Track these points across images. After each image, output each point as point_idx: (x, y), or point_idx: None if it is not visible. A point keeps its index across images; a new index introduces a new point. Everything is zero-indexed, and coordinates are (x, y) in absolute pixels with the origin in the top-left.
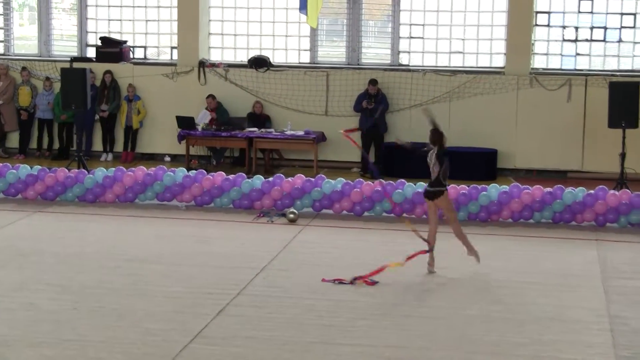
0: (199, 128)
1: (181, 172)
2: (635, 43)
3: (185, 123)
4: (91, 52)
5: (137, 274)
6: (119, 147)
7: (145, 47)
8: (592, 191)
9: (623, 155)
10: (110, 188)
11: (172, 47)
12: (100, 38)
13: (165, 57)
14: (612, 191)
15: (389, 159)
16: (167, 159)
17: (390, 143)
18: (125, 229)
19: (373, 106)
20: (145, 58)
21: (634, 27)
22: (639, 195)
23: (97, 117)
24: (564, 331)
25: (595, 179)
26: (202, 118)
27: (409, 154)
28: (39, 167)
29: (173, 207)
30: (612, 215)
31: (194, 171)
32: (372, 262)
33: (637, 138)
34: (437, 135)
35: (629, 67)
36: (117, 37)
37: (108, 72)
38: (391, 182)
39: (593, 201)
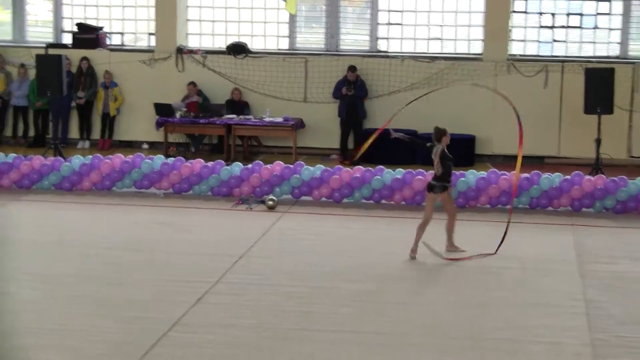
0: (177, 115)
1: (159, 159)
2: (610, 29)
3: (163, 110)
4: (67, 39)
5: (116, 262)
6: (95, 134)
7: (122, 34)
8: (568, 177)
9: (598, 141)
10: (87, 176)
11: (150, 34)
12: (77, 24)
13: (142, 43)
14: (587, 176)
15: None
16: (145, 146)
17: (369, 130)
18: (103, 217)
19: (352, 93)
20: (122, 44)
21: (609, 13)
22: (614, 181)
23: (73, 104)
24: (540, 315)
25: (571, 164)
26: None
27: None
28: (14, 155)
29: (151, 194)
30: (587, 201)
31: (172, 158)
32: (353, 249)
33: (612, 124)
34: (439, 133)
35: (605, 54)
36: (93, 23)
37: (84, 58)
38: (370, 168)
39: (569, 186)
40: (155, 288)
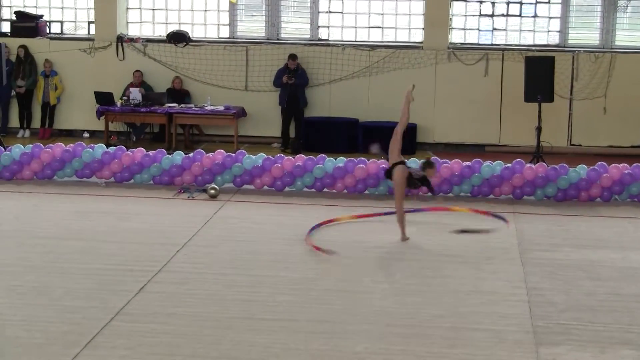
0: (118, 104)
1: (100, 148)
2: (550, 18)
3: (104, 99)
4: (6, 27)
5: (56, 252)
6: (36, 123)
7: (61, 22)
8: (509, 164)
9: (539, 129)
10: (28, 165)
11: (90, 22)
12: (15, 12)
13: (82, 31)
14: (528, 164)
15: (308, 134)
16: (86, 135)
17: (309, 118)
18: (44, 206)
19: (293, 81)
20: (62, 33)
21: (548, 2)
22: (555, 169)
23: (13, 93)
24: (481, 303)
25: (512, 152)
26: (135, 95)
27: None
28: None
29: (92, 183)
30: (528, 188)
31: (113, 147)
32: (294, 237)
33: (552, 112)
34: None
35: (544, 42)
36: (32, 11)
37: (22, 46)
38: (312, 156)
39: (510, 174)
40: (97, 277)
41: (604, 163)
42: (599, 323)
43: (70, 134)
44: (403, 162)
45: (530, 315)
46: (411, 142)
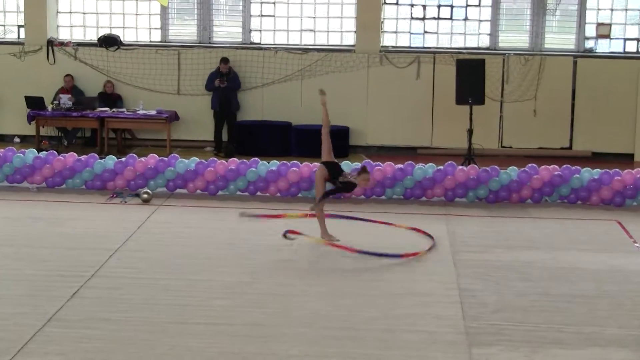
0: (49, 108)
1: (31, 153)
2: (480, 21)
3: (35, 103)
4: None
5: None
6: None
7: None
8: (441, 167)
9: (470, 131)
10: None
11: (19, 26)
12: None
13: (12, 35)
14: (460, 167)
15: (241, 138)
16: (17, 140)
17: (241, 121)
18: None
19: (225, 85)
20: None
21: (479, 5)
22: (486, 171)
23: None
24: (415, 305)
25: (444, 154)
26: (65, 101)
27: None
28: None
29: (23, 189)
30: (460, 190)
31: (44, 152)
32: (227, 241)
33: (483, 114)
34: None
35: (475, 45)
36: None
37: None
38: (244, 160)
39: (442, 177)
40: (29, 283)
41: (534, 165)
42: (531, 323)
43: (1, 139)
44: (333, 163)
45: (463, 317)
46: (344, 146)
